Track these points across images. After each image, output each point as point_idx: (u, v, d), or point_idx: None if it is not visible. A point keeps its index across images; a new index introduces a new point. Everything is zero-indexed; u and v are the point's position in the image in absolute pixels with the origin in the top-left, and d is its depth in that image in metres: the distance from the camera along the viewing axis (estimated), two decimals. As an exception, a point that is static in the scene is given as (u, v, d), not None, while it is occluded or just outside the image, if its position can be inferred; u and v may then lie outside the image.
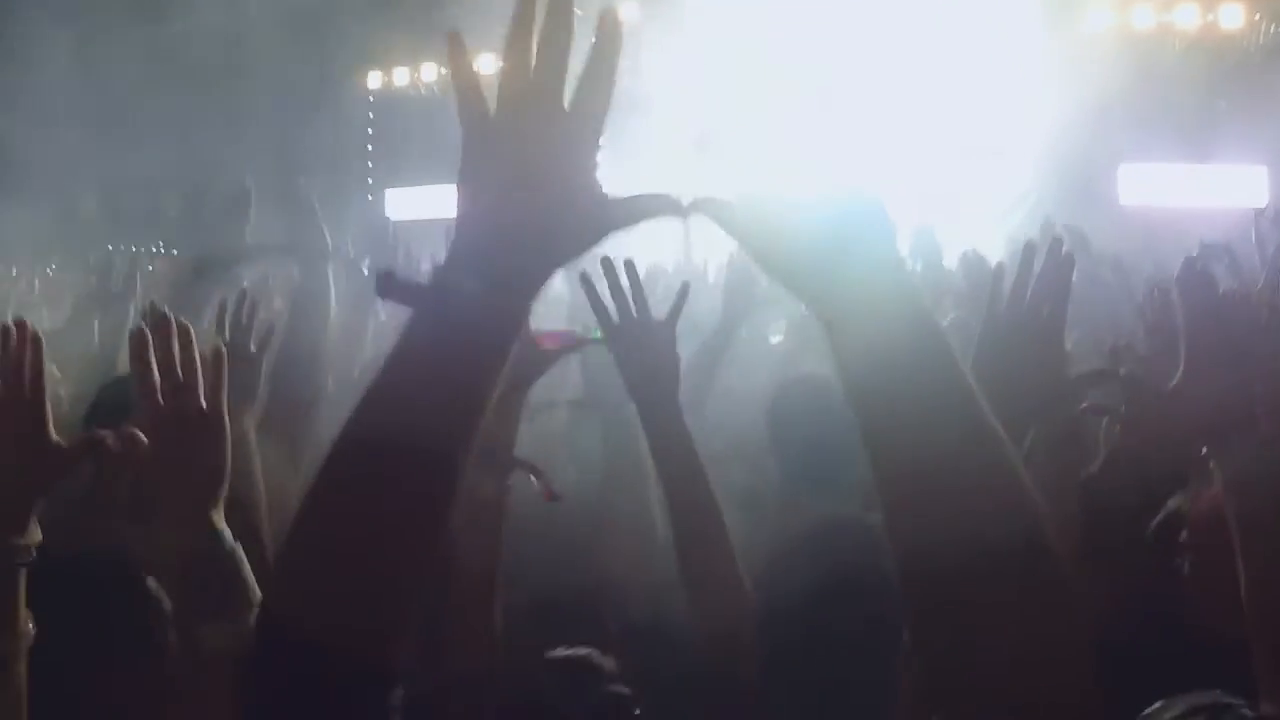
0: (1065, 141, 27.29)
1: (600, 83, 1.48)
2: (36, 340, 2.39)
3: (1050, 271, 2.68)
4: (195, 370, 2.28)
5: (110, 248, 20.30)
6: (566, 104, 1.47)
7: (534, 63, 1.44)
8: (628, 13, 30.80)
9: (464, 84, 1.49)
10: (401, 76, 34.85)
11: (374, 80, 35.57)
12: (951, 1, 28.14)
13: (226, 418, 2.30)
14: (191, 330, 2.33)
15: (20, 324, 2.40)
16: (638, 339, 3.10)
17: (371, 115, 36.52)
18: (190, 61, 26.76)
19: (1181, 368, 2.70)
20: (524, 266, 1.46)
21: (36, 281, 14.19)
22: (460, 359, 1.41)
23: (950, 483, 1.34)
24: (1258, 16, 27.62)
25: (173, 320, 2.31)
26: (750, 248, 1.54)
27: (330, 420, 4.82)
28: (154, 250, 33.18)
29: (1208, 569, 3.09)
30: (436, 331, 1.42)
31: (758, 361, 6.61)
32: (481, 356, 1.43)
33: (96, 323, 6.73)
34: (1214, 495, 2.90)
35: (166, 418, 2.25)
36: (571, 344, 3.28)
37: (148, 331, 2.31)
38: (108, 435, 2.40)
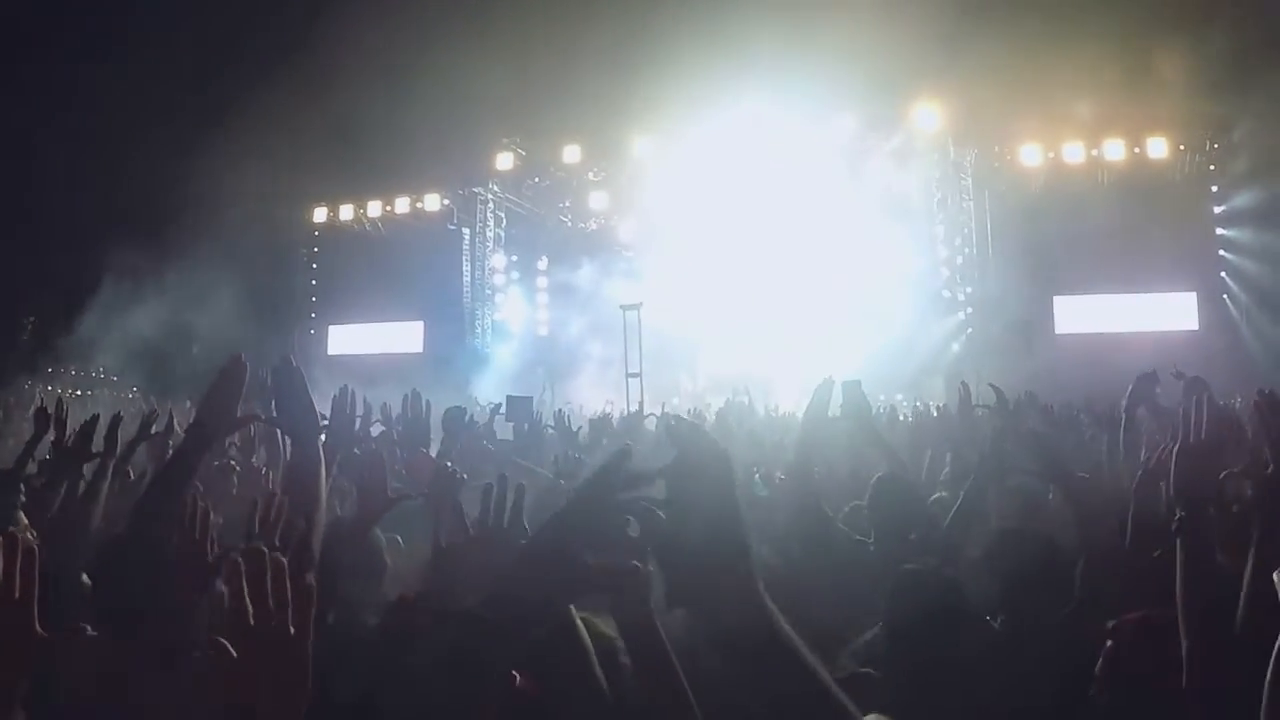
0: (1003, 276, 28.11)
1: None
2: (29, 551, 2.56)
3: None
4: (286, 598, 2.35)
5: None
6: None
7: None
8: (572, 154, 31.45)
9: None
10: (347, 212, 35.15)
11: (319, 215, 35.78)
12: (888, 146, 29.05)
13: (310, 645, 2.37)
14: (285, 565, 2.42)
15: (10, 537, 2.57)
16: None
17: (316, 250, 36.68)
18: (139, 195, 26.92)
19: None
20: (529, 614, 2.34)
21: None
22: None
23: None
24: (1181, 147, 28.50)
25: (266, 553, 2.40)
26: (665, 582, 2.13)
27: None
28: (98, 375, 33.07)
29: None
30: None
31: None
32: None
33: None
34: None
35: (255, 639, 2.33)
36: None
37: (241, 561, 2.40)
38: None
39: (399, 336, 34.88)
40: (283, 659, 2.36)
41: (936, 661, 3.57)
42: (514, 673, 3.30)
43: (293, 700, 2.36)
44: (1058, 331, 29.13)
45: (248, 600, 2.35)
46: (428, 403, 5.84)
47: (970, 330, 28.15)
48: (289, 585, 2.37)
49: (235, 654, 2.33)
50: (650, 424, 11.26)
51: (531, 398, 11.88)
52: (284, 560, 2.39)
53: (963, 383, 8.75)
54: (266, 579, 2.36)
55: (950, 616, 3.79)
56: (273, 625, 2.34)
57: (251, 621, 2.34)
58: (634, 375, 16.61)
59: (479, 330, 34.61)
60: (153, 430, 6.82)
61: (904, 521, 5.51)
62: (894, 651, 3.78)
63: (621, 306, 17.76)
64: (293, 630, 2.35)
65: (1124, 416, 6.65)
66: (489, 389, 23.71)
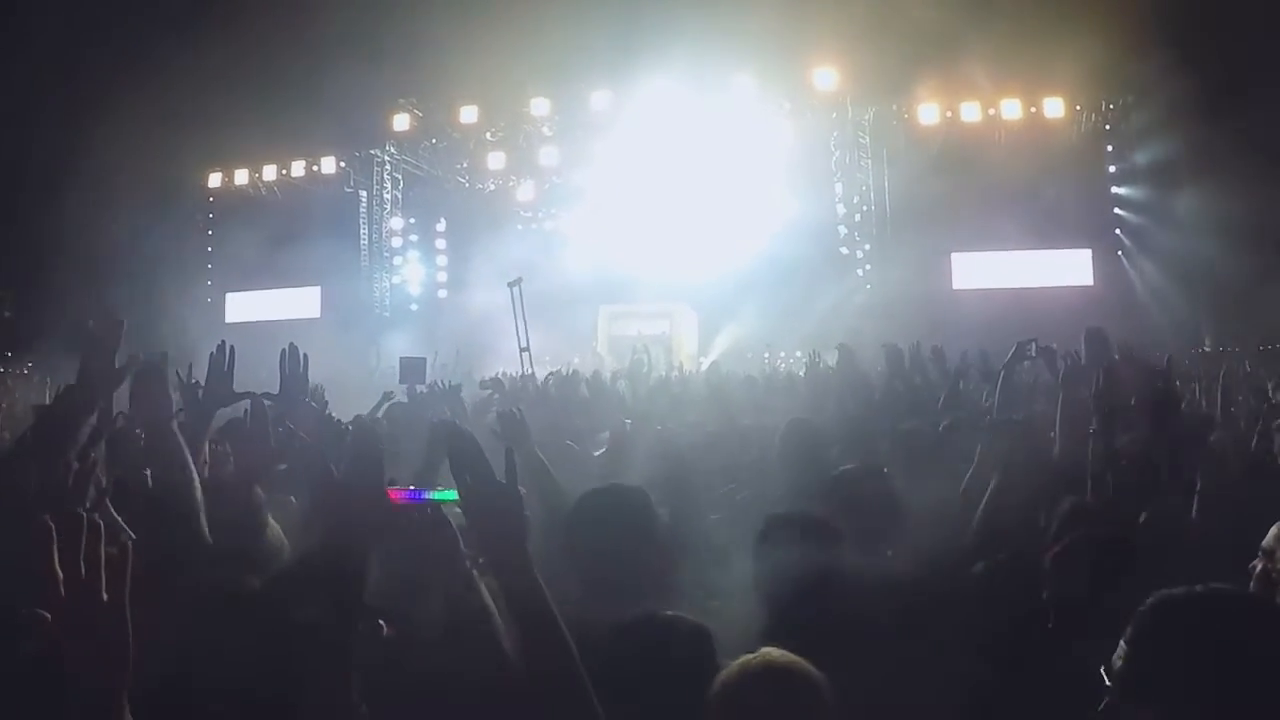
0: (901, 233, 28.45)
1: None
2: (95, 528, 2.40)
3: None
4: (99, 566, 2.18)
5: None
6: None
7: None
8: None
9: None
10: (242, 177, 34.50)
11: (214, 180, 35.04)
12: (787, 106, 29.25)
13: (128, 611, 2.21)
14: (101, 527, 2.24)
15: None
16: (485, 499, 3.05)
17: (211, 216, 35.91)
18: (26, 161, 26.27)
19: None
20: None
21: None
22: None
23: None
24: (1078, 107, 28.93)
25: (83, 518, 2.21)
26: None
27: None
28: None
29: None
30: None
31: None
32: None
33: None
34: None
35: (68, 610, 2.16)
36: (423, 503, 3.22)
37: (52, 525, 2.22)
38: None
39: (296, 302, 34.22)
40: (98, 626, 2.20)
41: (808, 605, 3.46)
42: (380, 622, 3.20)
43: (112, 668, 2.21)
44: (955, 287, 29.53)
45: (58, 567, 2.19)
46: (305, 356, 5.68)
47: (869, 286, 28.45)
48: (102, 549, 2.21)
49: (51, 623, 2.19)
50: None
51: (425, 359, 11.78)
52: (100, 523, 2.23)
53: (841, 344, 9.16)
54: (80, 544, 2.20)
55: (825, 560, 3.67)
56: (83, 592, 2.18)
57: (63, 590, 2.18)
58: (524, 350, 16.62)
59: (378, 294, 34.28)
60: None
61: (810, 466, 5.52)
62: (763, 600, 3.67)
63: (508, 284, 17.64)
64: (106, 596, 2.19)
65: (1002, 372, 7.30)
66: (388, 352, 23.47)
